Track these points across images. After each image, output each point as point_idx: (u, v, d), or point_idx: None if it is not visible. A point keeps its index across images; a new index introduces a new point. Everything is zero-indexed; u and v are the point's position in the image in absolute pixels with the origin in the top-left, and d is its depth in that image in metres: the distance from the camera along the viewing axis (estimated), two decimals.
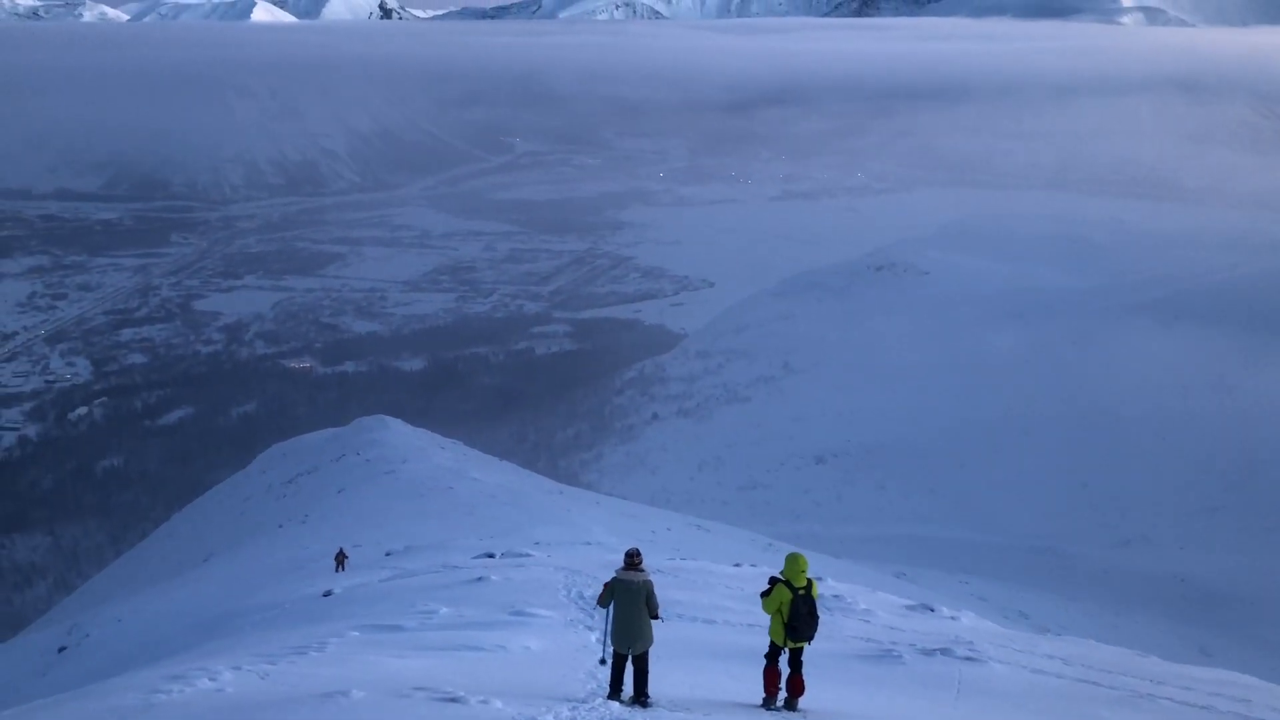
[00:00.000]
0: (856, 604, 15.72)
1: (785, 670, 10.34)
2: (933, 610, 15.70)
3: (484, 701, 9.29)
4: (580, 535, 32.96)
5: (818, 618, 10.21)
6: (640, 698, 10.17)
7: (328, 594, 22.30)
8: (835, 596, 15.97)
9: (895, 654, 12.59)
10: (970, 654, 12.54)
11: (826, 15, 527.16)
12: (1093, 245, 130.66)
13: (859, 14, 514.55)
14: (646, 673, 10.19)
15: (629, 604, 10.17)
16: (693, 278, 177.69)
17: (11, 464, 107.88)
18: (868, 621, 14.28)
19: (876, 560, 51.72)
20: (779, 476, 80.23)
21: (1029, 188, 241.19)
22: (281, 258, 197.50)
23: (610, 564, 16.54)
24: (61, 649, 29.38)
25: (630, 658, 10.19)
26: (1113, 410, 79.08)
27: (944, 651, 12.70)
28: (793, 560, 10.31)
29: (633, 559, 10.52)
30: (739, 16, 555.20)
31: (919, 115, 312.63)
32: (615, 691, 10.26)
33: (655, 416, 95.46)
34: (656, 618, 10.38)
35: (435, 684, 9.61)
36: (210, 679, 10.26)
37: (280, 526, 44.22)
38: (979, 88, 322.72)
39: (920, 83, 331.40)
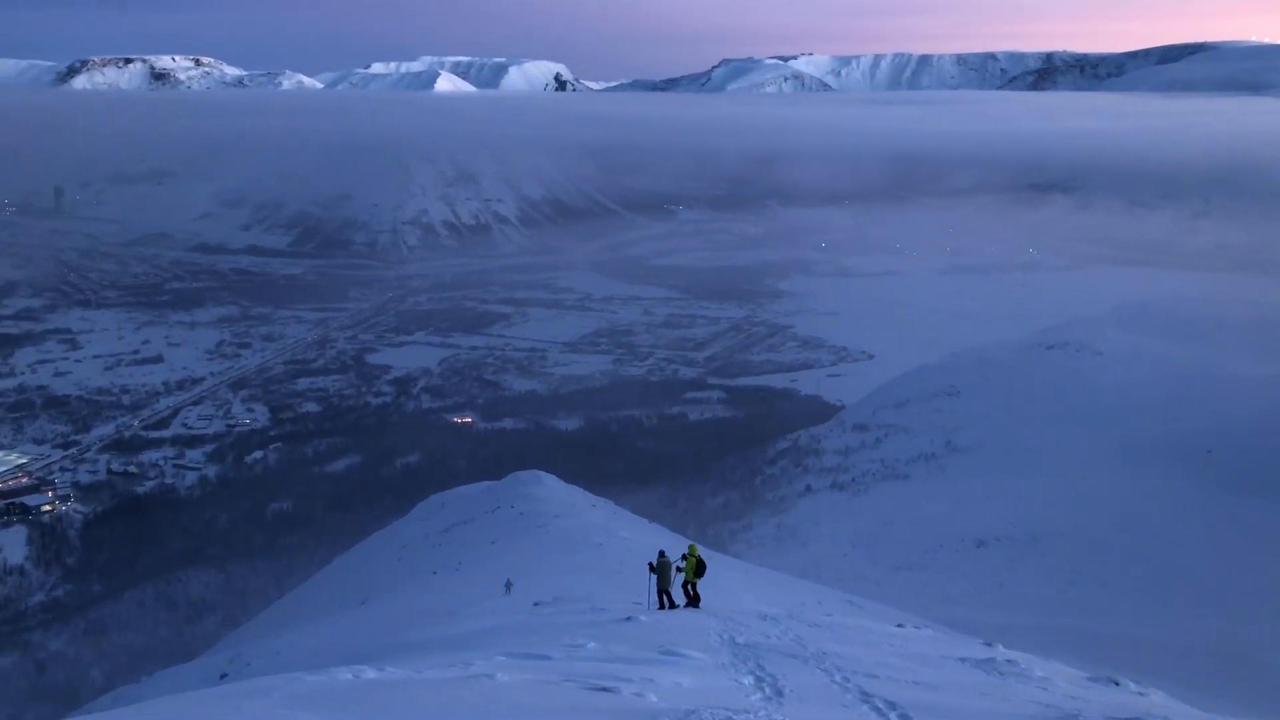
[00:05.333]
0: (1032, 671, 14.47)
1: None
2: (1118, 684, 14.28)
3: (638, 695, 8.76)
4: (729, 600, 32.12)
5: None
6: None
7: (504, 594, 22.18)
8: (1009, 661, 14.72)
9: None
10: None
11: (1001, 89, 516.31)
12: None
13: (1034, 88, 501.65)
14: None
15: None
16: (852, 349, 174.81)
17: (191, 502, 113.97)
18: (1045, 689, 13.07)
19: (1040, 652, 48.68)
20: (936, 558, 76.72)
21: (1215, 269, 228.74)
22: (450, 316, 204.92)
23: (758, 616, 15.88)
24: (223, 676, 30.30)
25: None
26: None
27: None
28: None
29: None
30: (909, 89, 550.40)
31: (1094, 193, 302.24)
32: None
33: (808, 489, 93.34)
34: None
35: (584, 679, 9.17)
36: (353, 675, 10.02)
37: (435, 573, 44.99)
38: (1161, 164, 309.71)
39: (1097, 157, 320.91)
